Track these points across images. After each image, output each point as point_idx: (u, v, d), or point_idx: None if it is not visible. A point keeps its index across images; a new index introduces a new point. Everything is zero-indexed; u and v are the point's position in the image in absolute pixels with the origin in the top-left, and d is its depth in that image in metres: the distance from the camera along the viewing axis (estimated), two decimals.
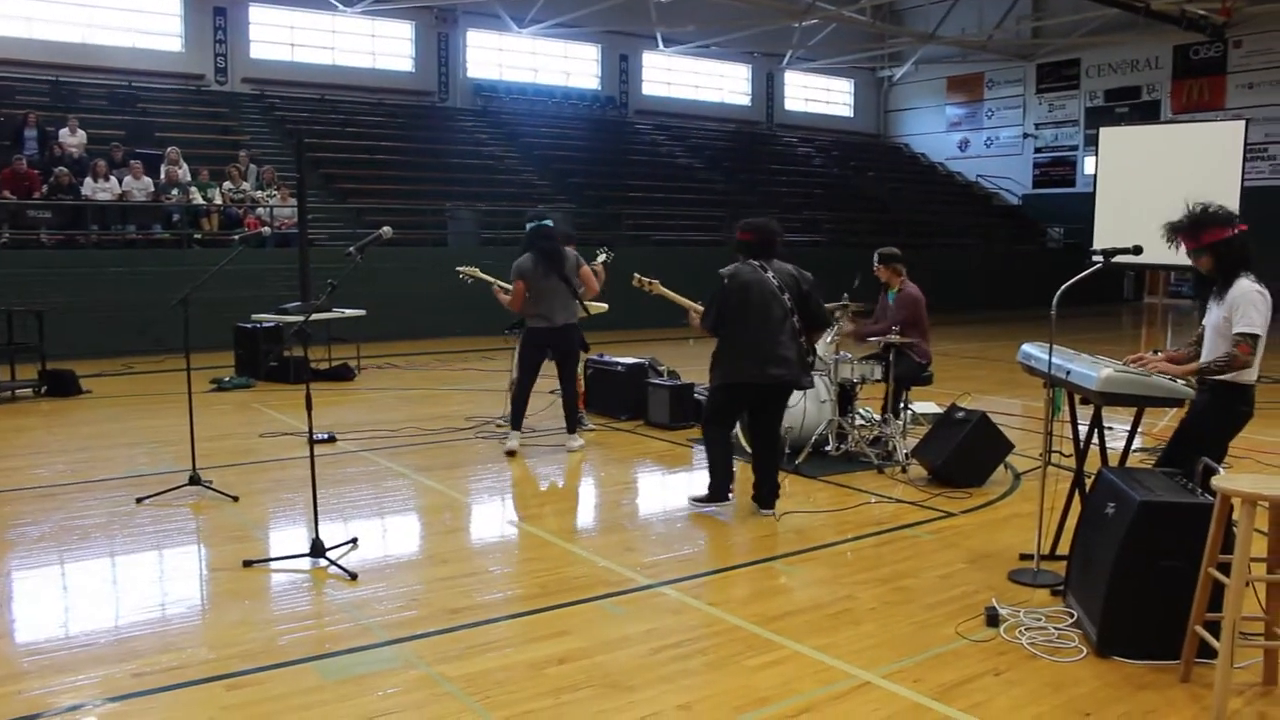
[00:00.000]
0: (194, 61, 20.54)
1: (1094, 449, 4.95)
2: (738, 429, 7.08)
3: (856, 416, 7.63)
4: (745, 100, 29.08)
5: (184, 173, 15.36)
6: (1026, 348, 5.18)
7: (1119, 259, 4.67)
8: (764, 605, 4.55)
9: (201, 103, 20.07)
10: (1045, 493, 4.75)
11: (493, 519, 6.17)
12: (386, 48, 23.14)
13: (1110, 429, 5.27)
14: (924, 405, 8.77)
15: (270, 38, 21.50)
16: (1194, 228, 4.44)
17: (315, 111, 21.08)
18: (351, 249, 5.44)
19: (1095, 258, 4.80)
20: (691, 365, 9.79)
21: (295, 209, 13.42)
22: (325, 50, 22.22)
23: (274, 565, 5.02)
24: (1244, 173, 10.54)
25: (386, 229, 5.64)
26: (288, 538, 5.56)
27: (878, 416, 7.79)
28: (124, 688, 3.65)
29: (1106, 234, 10.74)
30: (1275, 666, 3.74)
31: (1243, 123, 11.12)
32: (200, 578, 5.00)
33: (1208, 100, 24.91)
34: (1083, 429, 5.00)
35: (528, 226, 7.58)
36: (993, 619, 4.25)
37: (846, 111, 31.61)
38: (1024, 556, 5.07)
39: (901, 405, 7.48)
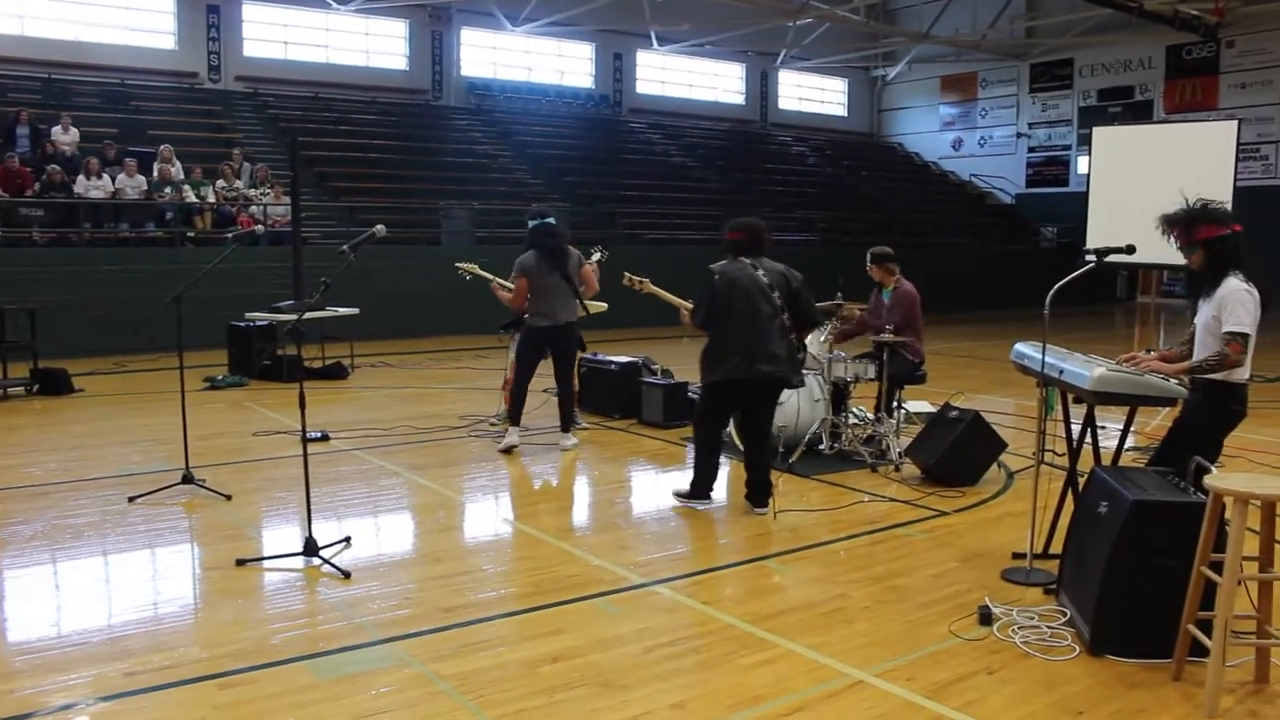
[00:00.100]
0: (187, 59, 20.49)
1: (1087, 448, 4.96)
2: (730, 427, 7.09)
3: (850, 415, 7.65)
4: (739, 99, 29.07)
5: (177, 171, 15.33)
6: (1020, 347, 5.21)
7: (1112, 258, 4.69)
8: (757, 604, 4.55)
9: (195, 100, 20.00)
10: (1038, 492, 4.76)
11: (486, 517, 6.17)
12: (380, 46, 23.09)
13: (1103, 428, 5.28)
14: (917, 404, 8.78)
15: (263, 35, 21.44)
16: (1190, 222, 4.44)
17: (309, 109, 21.03)
18: (345, 247, 5.42)
19: (1088, 257, 4.82)
20: (685, 364, 9.77)
21: (289, 207, 13.39)
22: (319, 48, 22.16)
23: (267, 564, 5.01)
24: (1236, 173, 10.58)
25: (380, 227, 5.63)
26: (281, 536, 5.55)
27: (871, 415, 7.82)
28: (116, 687, 3.64)
29: (1099, 233, 10.75)
30: (1267, 665, 3.75)
31: (1235, 123, 11.18)
32: (193, 576, 4.99)
33: (1200, 100, 24.96)
34: (1076, 428, 5.02)
35: (530, 224, 7.57)
36: (985, 618, 4.26)
37: (840, 111, 31.63)
38: (1017, 555, 5.08)
39: (895, 404, 7.49)
